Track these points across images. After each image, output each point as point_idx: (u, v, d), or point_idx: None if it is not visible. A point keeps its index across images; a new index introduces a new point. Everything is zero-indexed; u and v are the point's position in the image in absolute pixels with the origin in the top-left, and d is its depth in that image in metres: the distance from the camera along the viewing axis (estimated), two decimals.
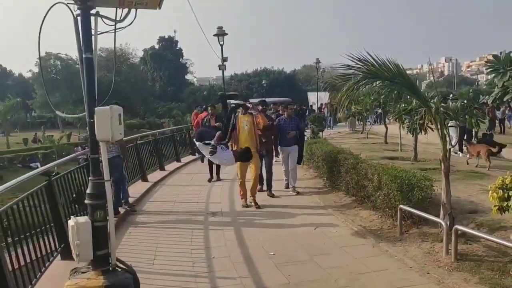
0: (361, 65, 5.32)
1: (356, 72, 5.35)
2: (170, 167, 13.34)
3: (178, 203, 8.75)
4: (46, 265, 4.96)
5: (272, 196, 8.84)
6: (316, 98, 35.34)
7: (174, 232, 6.77)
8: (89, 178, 3.86)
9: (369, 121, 24.39)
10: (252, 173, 8.11)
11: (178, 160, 14.48)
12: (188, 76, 78.13)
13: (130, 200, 8.43)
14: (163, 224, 7.21)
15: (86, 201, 3.82)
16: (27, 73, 65.75)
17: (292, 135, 9.12)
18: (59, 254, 5.28)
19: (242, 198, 8.24)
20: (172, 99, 65.66)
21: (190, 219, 7.49)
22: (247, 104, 8.31)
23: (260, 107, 8.84)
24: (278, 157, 9.44)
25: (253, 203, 8.11)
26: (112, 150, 7.33)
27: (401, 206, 5.99)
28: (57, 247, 5.29)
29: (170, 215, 7.85)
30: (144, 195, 9.49)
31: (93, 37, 3.74)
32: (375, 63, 5.39)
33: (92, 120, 3.77)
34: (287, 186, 9.43)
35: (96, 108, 3.77)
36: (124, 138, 13.20)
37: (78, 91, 51.29)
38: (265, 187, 9.08)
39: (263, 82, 53.07)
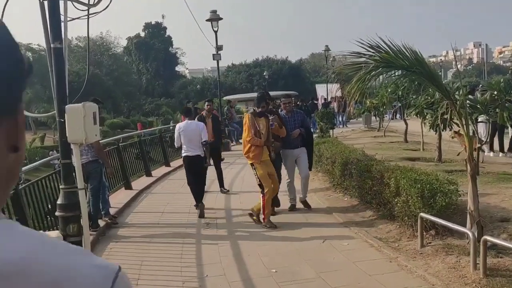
0: (373, 52, 5.31)
1: (368, 60, 5.34)
2: (158, 172, 13.39)
3: (166, 214, 8.77)
4: None
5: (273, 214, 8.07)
6: (326, 91, 35.36)
7: (162, 247, 6.79)
8: (60, 187, 3.86)
9: (386, 117, 24.33)
10: (274, 183, 7.76)
11: (167, 165, 14.52)
12: (179, 68, 78.37)
13: (112, 211, 8.44)
14: (149, 238, 7.22)
15: (57, 213, 3.81)
16: None
17: (296, 134, 8.23)
18: None
19: (263, 216, 7.59)
20: (160, 94, 65.80)
21: (180, 232, 7.51)
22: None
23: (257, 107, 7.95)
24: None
25: (255, 217, 7.73)
26: (87, 154, 7.32)
27: (422, 214, 5.97)
28: None
29: (157, 228, 7.86)
30: (127, 205, 9.52)
31: (62, 24, 3.73)
32: (390, 50, 5.37)
33: (62, 120, 3.77)
34: (293, 208, 8.45)
35: (67, 106, 3.77)
36: (103, 140, 13.40)
37: (51, 87, 51.60)
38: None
39: (264, 74, 53.13)
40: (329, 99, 33.05)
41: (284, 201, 8.52)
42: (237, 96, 41.60)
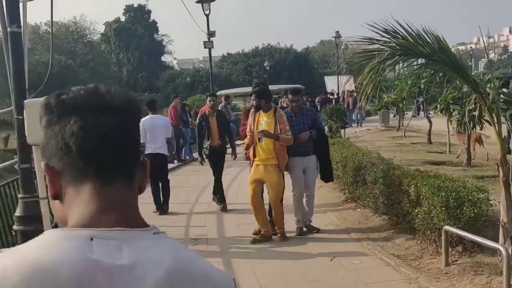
0: (389, 38, 5.29)
1: (382, 47, 5.32)
2: None
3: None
4: None
5: (283, 238, 7.69)
6: (337, 84, 35.41)
7: None
8: (19, 196, 3.83)
9: (407, 114, 24.34)
10: (270, 195, 7.58)
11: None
12: (166, 58, 78.51)
13: None
14: None
15: (15, 227, 3.77)
16: None
17: (305, 138, 7.69)
18: None
19: (256, 232, 7.63)
20: (144, 89, 65.84)
21: None
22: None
23: (253, 101, 7.88)
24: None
25: (279, 236, 7.56)
26: None
27: (447, 227, 5.94)
28: None
29: None
30: None
31: (21, 4, 3.70)
32: (408, 36, 5.35)
33: (20, 117, 3.73)
34: (300, 231, 7.89)
35: (26, 101, 3.72)
36: None
37: None
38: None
39: (265, 64, 53.06)
40: (339, 93, 33.06)
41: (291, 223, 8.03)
42: (233, 91, 41.59)
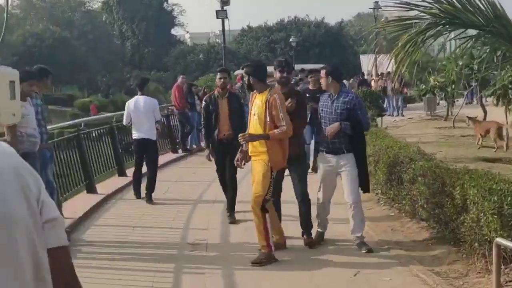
0: (430, 2, 5.03)
1: (422, 14, 5.07)
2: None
3: (139, 229, 8.72)
4: None
5: (311, 245, 7.45)
6: (374, 64, 34.97)
7: (127, 275, 6.69)
8: None
9: (458, 101, 23.94)
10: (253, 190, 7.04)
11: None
12: (177, 31, 78.79)
13: (70, 210, 8.79)
14: (110, 262, 7.14)
15: None
16: None
17: (332, 132, 7.11)
18: None
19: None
20: (150, 66, 66.26)
21: (156, 254, 7.43)
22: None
23: (278, 74, 7.52)
24: (314, 172, 8.08)
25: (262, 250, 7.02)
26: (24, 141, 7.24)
27: (499, 239, 5.65)
28: None
29: (124, 248, 7.78)
30: (87, 215, 9.49)
31: None
32: (455, 1, 5.13)
33: None
34: (321, 238, 7.60)
35: None
36: (58, 125, 13.26)
37: (5, 52, 52.14)
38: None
39: (291, 40, 52.86)
40: (377, 74, 32.65)
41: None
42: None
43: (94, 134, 12.81)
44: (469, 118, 15.38)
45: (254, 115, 6.96)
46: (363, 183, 7.43)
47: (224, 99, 9.00)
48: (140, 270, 6.84)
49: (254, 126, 6.95)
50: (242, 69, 7.70)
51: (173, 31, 76.39)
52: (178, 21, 76.92)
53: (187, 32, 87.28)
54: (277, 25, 67.74)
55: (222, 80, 9.09)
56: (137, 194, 10.54)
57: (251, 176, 7.13)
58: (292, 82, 9.58)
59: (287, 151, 6.94)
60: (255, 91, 7.07)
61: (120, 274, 6.70)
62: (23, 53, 54.07)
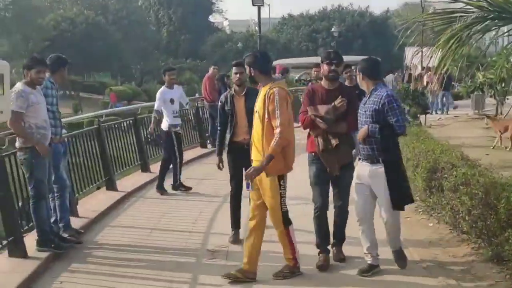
0: None
1: (467, 8, 4.67)
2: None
3: (157, 232, 8.53)
4: None
5: (341, 259, 6.97)
6: (421, 57, 34.26)
7: (136, 285, 6.56)
8: None
9: (507, 99, 23.23)
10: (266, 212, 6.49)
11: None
12: (215, 18, 78.76)
13: (77, 223, 8.29)
14: (123, 269, 6.99)
15: None
16: None
17: (361, 135, 6.48)
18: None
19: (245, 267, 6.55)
20: (187, 54, 66.28)
21: (172, 261, 7.24)
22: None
23: (325, 68, 6.69)
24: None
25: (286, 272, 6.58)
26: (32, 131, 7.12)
27: None
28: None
29: (139, 253, 7.58)
30: (104, 214, 9.36)
31: None
32: None
33: None
34: (371, 268, 6.65)
35: None
36: (82, 116, 13.13)
37: (37, 37, 52.56)
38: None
39: (333, 29, 52.31)
40: (420, 68, 31.98)
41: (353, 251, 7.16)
42: (292, 61, 40.98)
43: (116, 127, 12.59)
44: (487, 116, 15.51)
45: (256, 112, 6.41)
46: (395, 199, 6.46)
47: (241, 97, 7.89)
48: (153, 279, 6.67)
49: (255, 125, 6.38)
50: (243, 60, 6.83)
51: (211, 18, 76.57)
52: (217, 7, 77.01)
53: (226, 19, 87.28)
54: (319, 14, 67.49)
55: (238, 75, 7.89)
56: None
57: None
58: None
59: (291, 155, 6.32)
60: (260, 85, 6.55)
61: (129, 283, 6.59)
62: (55, 38, 54.42)
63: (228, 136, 8.00)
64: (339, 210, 6.95)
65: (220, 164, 8.17)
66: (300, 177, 7.62)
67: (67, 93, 56.87)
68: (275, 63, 32.75)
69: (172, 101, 10.88)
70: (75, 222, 8.30)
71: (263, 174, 6.18)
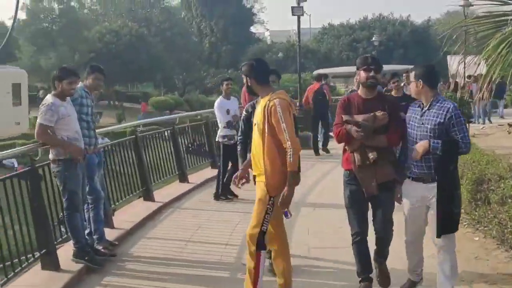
0: None
1: None
2: (199, 175, 13.26)
3: (192, 244, 8.32)
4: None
5: (385, 280, 6.15)
6: (463, 66, 33.60)
7: None
8: None
9: None
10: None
11: (215, 166, 14.02)
12: (256, 29, 78.84)
13: (112, 234, 8.20)
14: (155, 284, 6.84)
15: None
16: (9, 20, 69.19)
17: (420, 151, 5.62)
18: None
19: None
20: (228, 65, 66.43)
21: (206, 276, 7.04)
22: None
23: (362, 75, 5.87)
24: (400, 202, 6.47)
25: None
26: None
27: None
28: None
29: (172, 267, 7.39)
30: (140, 225, 9.20)
31: None
32: None
33: None
34: (413, 286, 6.20)
35: None
36: (118, 126, 13.12)
37: (82, 49, 53.31)
38: None
39: (373, 38, 51.73)
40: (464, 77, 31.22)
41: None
42: (332, 71, 40.69)
43: (155, 136, 12.51)
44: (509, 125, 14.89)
45: (255, 125, 5.88)
46: (447, 221, 5.65)
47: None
48: None
49: (255, 138, 5.87)
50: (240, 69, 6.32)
51: (252, 29, 76.59)
52: (258, 18, 77.10)
53: (267, 30, 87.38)
54: (360, 23, 66.96)
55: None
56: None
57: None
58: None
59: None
60: (259, 97, 5.97)
61: None
62: (100, 50, 55.19)
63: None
64: (380, 240, 6.02)
65: (241, 181, 6.51)
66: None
67: (111, 103, 57.58)
68: (315, 72, 32.58)
69: (228, 111, 10.69)
70: (110, 234, 8.16)
71: (258, 184, 5.74)
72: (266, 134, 5.61)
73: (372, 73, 5.77)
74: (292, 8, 18.44)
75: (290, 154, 5.47)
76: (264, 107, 5.62)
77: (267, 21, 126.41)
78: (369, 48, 57.99)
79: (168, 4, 74.09)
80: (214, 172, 13.35)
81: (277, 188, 5.61)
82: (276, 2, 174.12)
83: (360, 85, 5.98)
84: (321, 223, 9.09)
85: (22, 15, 56.43)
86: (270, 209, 5.66)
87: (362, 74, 5.85)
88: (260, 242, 5.69)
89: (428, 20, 72.87)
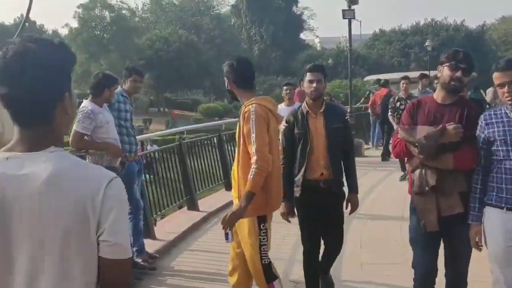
0: None
1: None
2: None
3: None
4: None
5: None
6: None
7: None
8: None
9: None
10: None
11: None
12: (306, 35, 78.42)
13: (153, 246, 7.81)
14: None
15: None
16: (62, 28, 70.54)
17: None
18: None
19: None
20: (278, 71, 66.05)
21: None
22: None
23: (447, 73, 4.43)
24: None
25: None
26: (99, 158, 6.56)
27: None
28: None
29: (215, 282, 6.90)
30: (183, 237, 8.77)
31: None
32: None
33: None
34: None
35: None
36: (160, 132, 12.76)
37: (133, 56, 53.77)
38: None
39: (426, 44, 50.58)
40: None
41: None
42: (382, 77, 39.90)
43: (200, 143, 12.18)
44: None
45: (236, 138, 4.97)
46: None
47: (319, 116, 5.57)
48: None
49: (236, 153, 4.93)
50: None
51: (302, 35, 76.26)
52: (308, 25, 76.68)
53: (317, 36, 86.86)
54: (412, 29, 65.94)
55: (314, 85, 5.43)
56: None
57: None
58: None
59: (276, 189, 4.79)
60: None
61: None
62: (150, 57, 55.55)
63: (300, 174, 5.58)
64: (451, 280, 4.72)
65: (288, 214, 5.70)
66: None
67: (161, 110, 57.85)
68: (366, 78, 31.84)
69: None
70: (151, 245, 7.74)
71: (241, 220, 4.75)
72: (241, 145, 4.70)
73: (459, 73, 4.39)
74: (343, 11, 17.84)
75: (252, 170, 4.46)
76: (242, 113, 4.71)
77: (317, 28, 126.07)
78: (421, 54, 57.16)
79: (218, 11, 74.17)
80: None
81: (256, 207, 4.65)
82: (325, 9, 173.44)
83: (439, 85, 4.60)
84: (374, 237, 8.51)
85: (74, 23, 57.43)
86: (263, 237, 4.77)
87: (446, 71, 4.46)
88: (268, 275, 4.84)
89: (483, 25, 71.35)
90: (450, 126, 4.27)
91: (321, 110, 5.52)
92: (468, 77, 4.52)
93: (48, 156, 1.90)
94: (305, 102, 5.59)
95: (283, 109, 10.02)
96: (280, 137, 5.59)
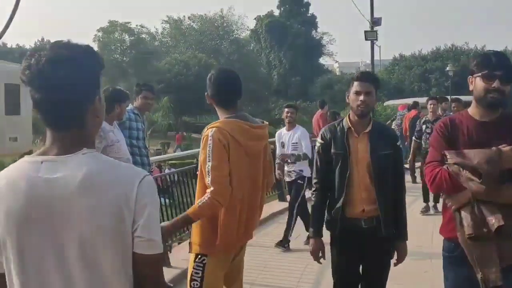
0: None
1: None
2: (266, 208, 11.93)
3: (269, 271, 7.93)
4: None
5: None
6: None
7: None
8: None
9: None
10: None
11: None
12: (325, 60, 78.03)
13: (168, 274, 7.30)
14: None
15: None
16: None
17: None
18: None
19: None
20: (296, 96, 65.58)
21: None
22: None
23: (481, 85, 3.62)
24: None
25: None
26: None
27: None
28: None
29: None
30: None
31: None
32: None
33: None
34: None
35: None
36: (174, 154, 12.35)
37: (152, 80, 53.72)
38: None
39: (447, 69, 49.95)
40: None
41: None
42: (403, 102, 39.62)
43: None
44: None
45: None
46: None
47: (363, 137, 4.54)
48: None
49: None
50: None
51: (321, 60, 75.86)
52: (327, 50, 76.30)
53: (336, 62, 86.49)
54: (432, 54, 65.39)
55: (362, 97, 4.45)
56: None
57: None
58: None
59: (231, 231, 4.00)
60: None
61: None
62: (170, 81, 55.44)
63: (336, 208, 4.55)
64: None
65: (320, 253, 4.72)
66: None
67: (180, 133, 57.70)
68: (386, 104, 31.29)
69: (282, 144, 9.27)
70: (166, 274, 7.14)
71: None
72: (199, 171, 4.02)
73: (496, 84, 3.50)
74: (365, 32, 17.56)
75: (204, 199, 3.81)
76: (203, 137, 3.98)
77: (336, 53, 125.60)
78: (441, 79, 56.47)
79: (237, 35, 74.12)
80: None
81: (201, 242, 4.04)
82: (345, 35, 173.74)
83: (473, 101, 3.73)
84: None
85: (94, 47, 57.65)
86: (197, 271, 4.05)
87: (479, 83, 3.60)
88: None
89: (505, 50, 70.63)
90: (506, 148, 3.37)
91: (367, 130, 4.50)
92: (509, 86, 3.59)
93: (81, 158, 1.96)
94: (347, 117, 4.59)
95: (283, 134, 9.37)
96: (315, 156, 4.76)
